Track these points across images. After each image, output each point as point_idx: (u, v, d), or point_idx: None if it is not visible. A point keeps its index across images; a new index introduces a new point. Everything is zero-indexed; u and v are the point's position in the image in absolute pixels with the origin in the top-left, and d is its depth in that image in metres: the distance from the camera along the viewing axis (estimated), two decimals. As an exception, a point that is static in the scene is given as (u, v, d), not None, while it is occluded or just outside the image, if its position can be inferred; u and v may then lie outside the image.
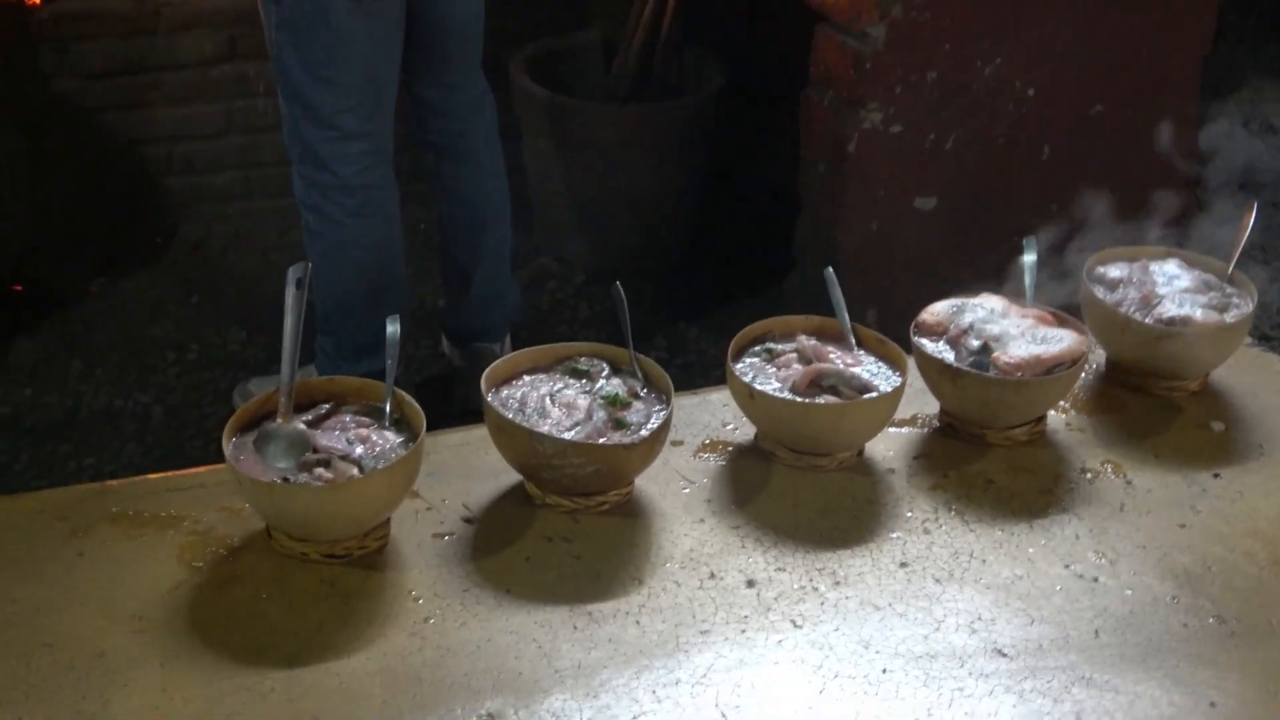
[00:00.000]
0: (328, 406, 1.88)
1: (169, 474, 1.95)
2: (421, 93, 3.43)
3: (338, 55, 3.09)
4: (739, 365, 2.03)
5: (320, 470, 1.75)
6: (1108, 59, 3.73)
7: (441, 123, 3.46)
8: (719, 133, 4.40)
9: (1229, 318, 2.15)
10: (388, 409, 1.87)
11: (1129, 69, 3.76)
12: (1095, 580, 1.81)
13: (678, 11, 4.27)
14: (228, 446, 1.78)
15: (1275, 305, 4.33)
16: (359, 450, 1.79)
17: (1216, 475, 2.02)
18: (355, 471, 1.76)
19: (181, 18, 4.30)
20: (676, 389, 1.96)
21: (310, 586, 1.75)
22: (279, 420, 1.82)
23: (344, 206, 3.22)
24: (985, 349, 2.04)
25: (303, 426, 1.82)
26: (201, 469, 1.96)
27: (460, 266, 3.60)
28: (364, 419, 1.86)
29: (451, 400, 3.61)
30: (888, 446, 2.05)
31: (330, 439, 1.81)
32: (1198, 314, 2.13)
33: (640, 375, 1.98)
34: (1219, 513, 1.94)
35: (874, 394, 1.97)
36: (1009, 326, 2.07)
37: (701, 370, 3.89)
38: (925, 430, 2.10)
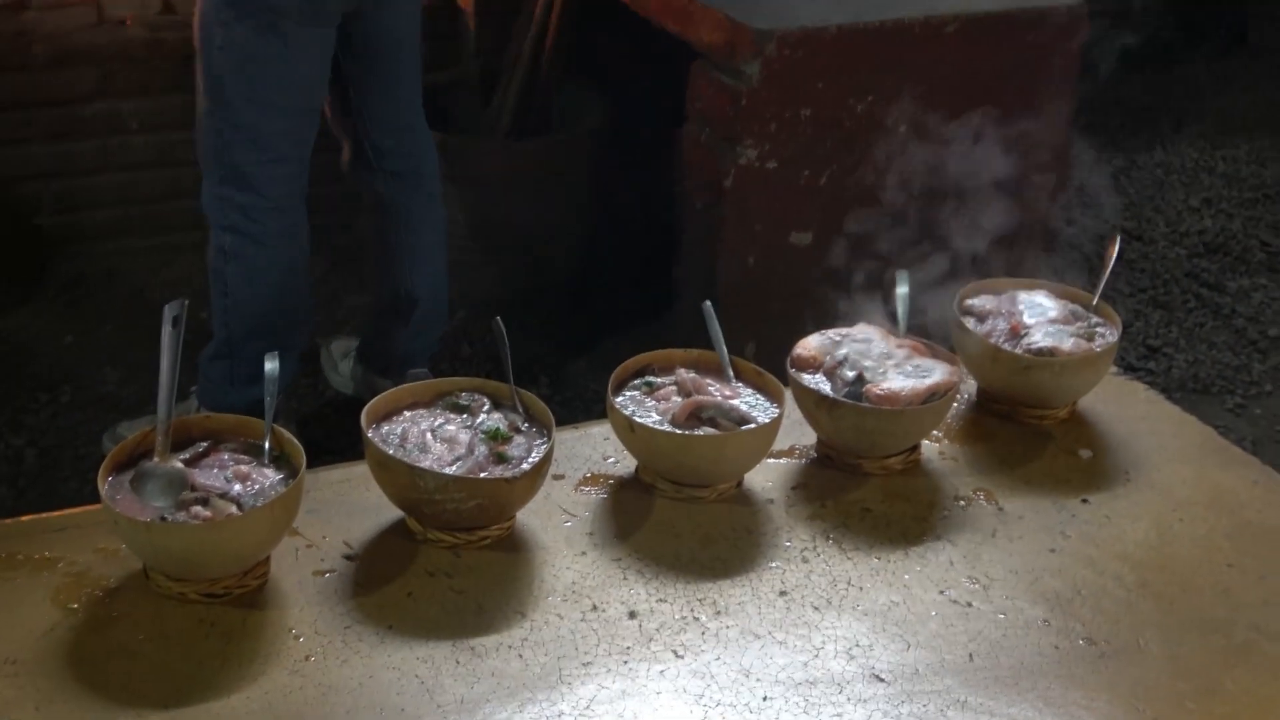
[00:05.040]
0: (205, 444, 1.86)
1: (43, 515, 1.91)
2: (379, 115, 3.46)
3: (281, 78, 3.15)
4: (619, 398, 2.05)
5: (198, 509, 1.73)
6: (978, 96, 3.81)
7: (400, 145, 3.51)
8: (600, 169, 4.42)
9: (1095, 347, 2.20)
10: (267, 446, 1.86)
11: (999, 106, 3.84)
12: (969, 605, 1.84)
13: (558, 46, 4.30)
14: (103, 486, 1.75)
15: (1141, 336, 4.44)
16: (238, 488, 1.78)
17: (1085, 501, 2.07)
18: (234, 509, 1.75)
19: (54, 54, 4.24)
20: (560, 424, 1.98)
21: (189, 626, 1.73)
22: (156, 459, 1.80)
23: (270, 228, 3.26)
24: (860, 380, 2.07)
25: (180, 465, 1.80)
26: (77, 509, 1.92)
27: (408, 292, 3.63)
28: (243, 456, 1.85)
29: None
30: (766, 477, 2.08)
31: (208, 477, 1.79)
32: (1065, 344, 2.18)
33: (521, 409, 1.99)
34: (1088, 537, 1.99)
35: (752, 425, 1.99)
36: (883, 358, 2.11)
37: (584, 405, 3.90)
38: (803, 461, 2.13)
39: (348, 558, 1.86)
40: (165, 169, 4.46)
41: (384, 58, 3.40)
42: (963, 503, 2.06)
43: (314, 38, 3.16)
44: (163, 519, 1.72)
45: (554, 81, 4.39)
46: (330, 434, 3.65)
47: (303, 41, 3.14)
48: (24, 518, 1.92)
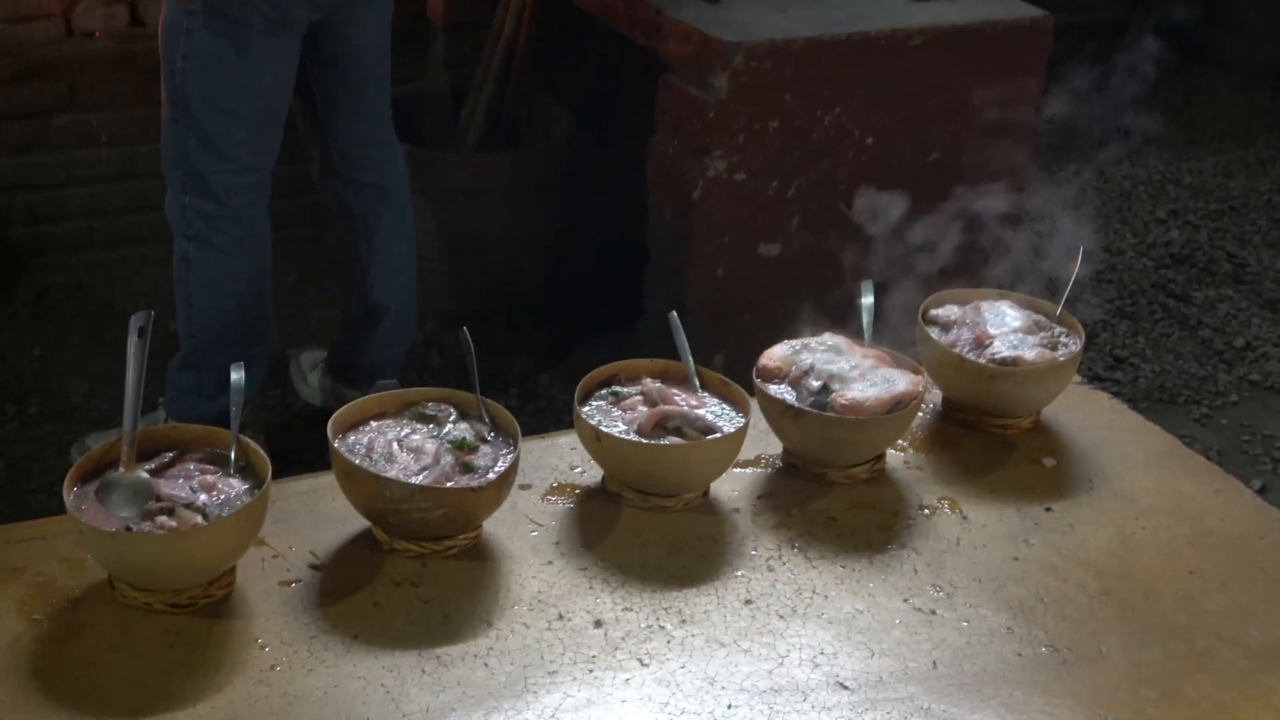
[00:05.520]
0: (171, 455, 1.87)
1: (8, 526, 1.91)
2: (345, 126, 3.46)
3: (244, 87, 3.14)
4: (585, 408, 2.06)
5: (163, 518, 1.73)
6: (944, 108, 3.84)
7: (367, 156, 3.51)
8: (571, 181, 4.43)
9: (1059, 357, 2.22)
10: (233, 456, 1.86)
11: (965, 118, 3.87)
12: (933, 613, 1.86)
13: (527, 60, 4.31)
14: (69, 496, 1.75)
15: (1108, 346, 4.47)
16: (203, 498, 1.78)
17: (1048, 509, 2.09)
18: (199, 519, 1.75)
19: (22, 66, 4.23)
20: (528, 435, 1.98)
21: (154, 636, 1.73)
22: (121, 469, 1.80)
23: (231, 237, 3.25)
24: (825, 389, 2.08)
25: (145, 475, 1.80)
26: (42, 520, 1.92)
27: (377, 302, 3.63)
28: (208, 466, 1.85)
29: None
30: (732, 486, 2.09)
31: (174, 487, 1.79)
32: (1029, 353, 2.20)
33: (488, 419, 1.99)
34: (1051, 545, 2.01)
35: (718, 435, 2.00)
36: (848, 367, 2.12)
37: (554, 416, 3.90)
38: (769, 470, 2.14)
39: (314, 567, 1.86)
40: (133, 181, 4.45)
41: (353, 69, 3.40)
42: (927, 511, 2.07)
43: (278, 47, 3.16)
44: (128, 529, 1.72)
45: (523, 94, 4.40)
46: (299, 445, 3.65)
47: (266, 51, 3.13)
48: (-11, 529, 1.92)
